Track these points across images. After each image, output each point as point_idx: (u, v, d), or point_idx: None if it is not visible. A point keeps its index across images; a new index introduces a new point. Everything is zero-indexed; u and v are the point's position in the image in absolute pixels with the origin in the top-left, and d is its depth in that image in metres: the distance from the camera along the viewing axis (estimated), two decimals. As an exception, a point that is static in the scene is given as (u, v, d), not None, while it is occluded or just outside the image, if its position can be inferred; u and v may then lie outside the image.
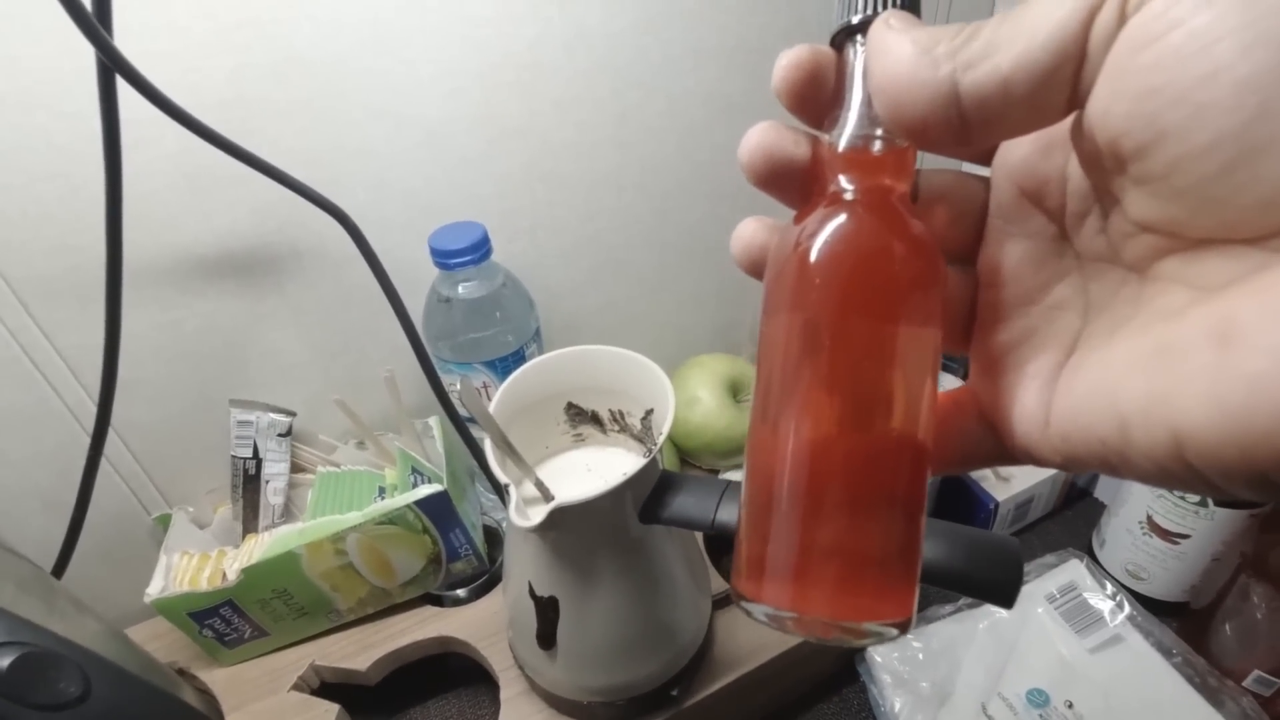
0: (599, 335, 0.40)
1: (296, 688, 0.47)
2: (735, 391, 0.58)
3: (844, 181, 0.17)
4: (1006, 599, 0.29)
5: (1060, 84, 0.13)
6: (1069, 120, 0.15)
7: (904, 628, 0.16)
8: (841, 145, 0.17)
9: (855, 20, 0.16)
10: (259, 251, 0.45)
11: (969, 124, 0.14)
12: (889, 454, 0.16)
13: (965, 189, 0.18)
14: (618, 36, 0.47)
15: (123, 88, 0.32)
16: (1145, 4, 0.12)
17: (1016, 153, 0.17)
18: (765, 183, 0.18)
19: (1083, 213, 0.16)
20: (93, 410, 0.41)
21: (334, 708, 0.46)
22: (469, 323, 0.48)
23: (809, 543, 0.16)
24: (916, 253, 0.16)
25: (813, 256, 0.16)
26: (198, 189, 0.42)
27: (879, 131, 0.16)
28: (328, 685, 0.49)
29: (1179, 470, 0.13)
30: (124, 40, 0.31)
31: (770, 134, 0.18)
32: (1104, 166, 0.14)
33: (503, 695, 0.45)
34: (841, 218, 0.16)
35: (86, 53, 0.30)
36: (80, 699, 0.28)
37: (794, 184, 0.18)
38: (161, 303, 0.44)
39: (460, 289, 0.47)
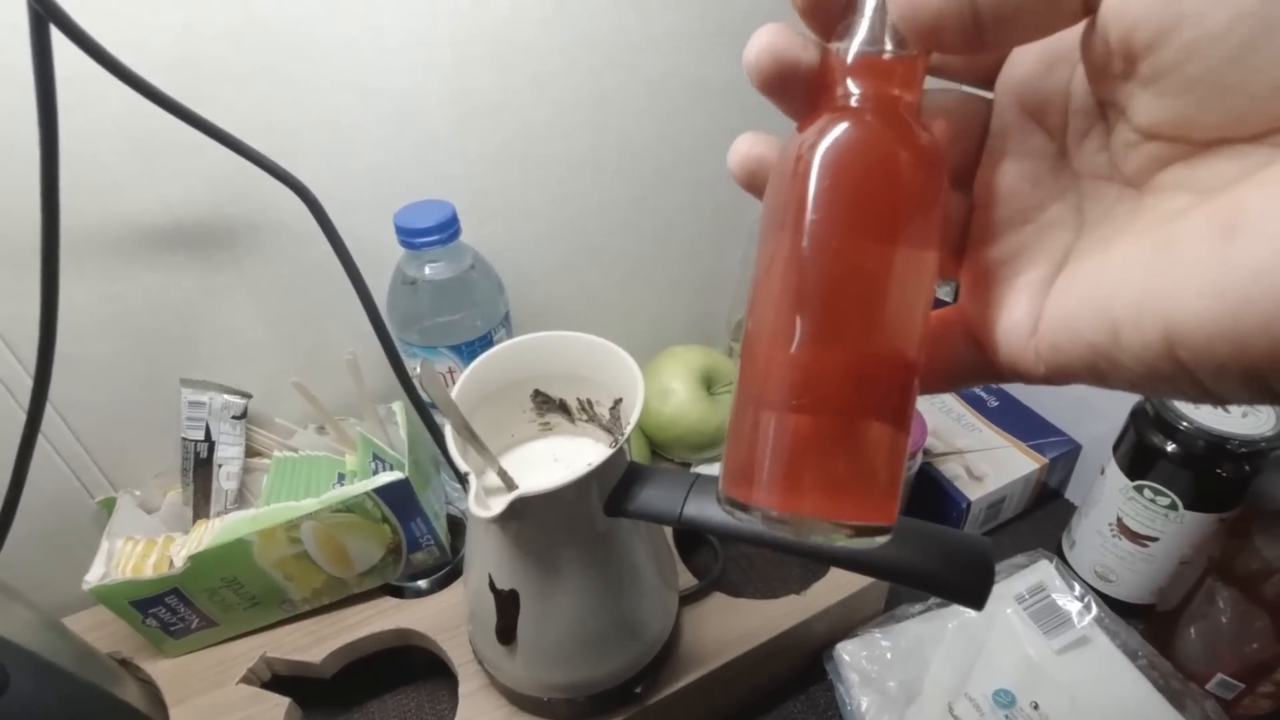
0: (571, 322, 0.39)
1: (246, 680, 0.45)
2: (709, 384, 0.57)
3: (851, 89, 0.16)
4: (977, 601, 0.28)
5: None
6: (1075, 35, 0.15)
7: (887, 532, 0.17)
8: (851, 53, 0.16)
9: None
10: (213, 224, 0.43)
11: (983, 25, 0.14)
12: (882, 364, 0.17)
13: (966, 108, 0.18)
14: (597, 13, 0.46)
15: (59, 40, 0.30)
16: None
17: (1020, 70, 0.17)
18: (770, 87, 0.17)
19: (1084, 130, 0.16)
20: (29, 385, 0.38)
21: (284, 701, 0.44)
22: (435, 306, 0.46)
23: (799, 446, 0.16)
24: (922, 161, 0.16)
25: (816, 161, 0.16)
26: (145, 154, 0.39)
27: (890, 40, 0.16)
28: (279, 678, 0.47)
29: (1169, 370, 0.13)
30: (59, -12, 0.28)
31: (780, 35, 0.17)
32: (1112, 72, 0.14)
33: (461, 690, 0.44)
34: (847, 124, 0.16)
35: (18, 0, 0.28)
36: (-4, 693, 0.26)
37: (799, 92, 0.17)
38: (106, 274, 0.42)
39: (427, 270, 0.45)
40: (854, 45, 0.16)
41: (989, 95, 0.18)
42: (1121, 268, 0.14)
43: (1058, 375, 0.16)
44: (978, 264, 0.18)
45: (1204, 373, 0.12)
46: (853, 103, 0.16)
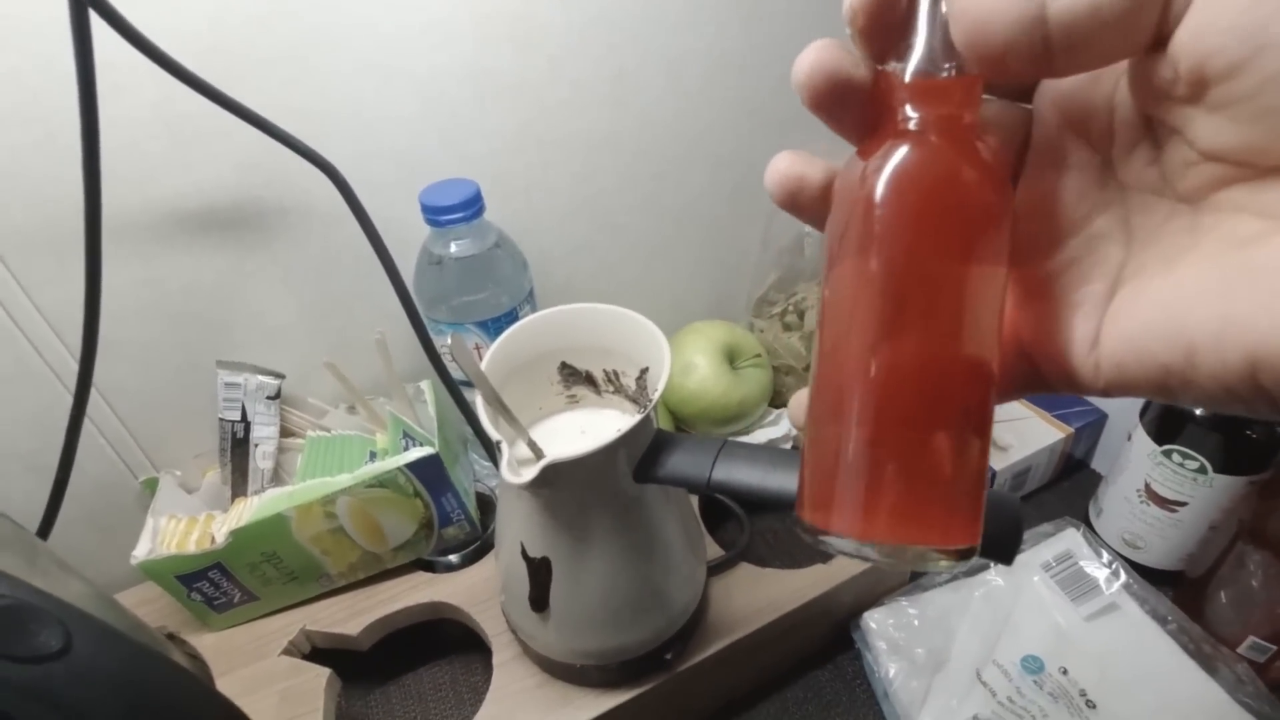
0: (594, 299, 0.39)
1: (287, 652, 0.47)
2: (732, 358, 0.57)
3: (912, 112, 0.16)
4: (1006, 555, 0.28)
5: (1153, 3, 0.13)
6: None
7: (970, 554, 0.16)
8: (910, 74, 0.16)
9: None
10: (244, 207, 0.44)
11: (1053, 51, 0.14)
12: (962, 383, 0.16)
13: (1007, 119, 0.18)
14: (615, -10, 0.46)
15: (98, 29, 0.31)
16: None
17: (1063, 81, 0.17)
18: (822, 104, 0.17)
19: (1131, 143, 0.16)
20: (74, 370, 0.40)
21: (325, 672, 0.45)
22: (461, 283, 0.47)
23: (879, 470, 0.16)
24: (989, 180, 0.16)
25: (886, 187, 0.16)
26: (180, 140, 0.40)
27: (949, 61, 0.16)
28: (318, 650, 0.49)
29: (1247, 392, 0.13)
30: (98, -24, 0.29)
31: (831, 51, 0.16)
32: (1173, 95, 0.14)
33: (495, 660, 0.45)
34: (914, 148, 0.16)
35: (59, -11, 0.29)
36: (61, 652, 0.27)
37: (849, 110, 0.17)
38: (143, 259, 0.43)
39: (453, 247, 0.46)
40: (912, 67, 0.16)
41: (1026, 106, 0.18)
42: (1195, 291, 0.14)
43: (1118, 389, 0.16)
44: (1026, 276, 0.18)
45: None
46: (914, 125, 0.16)
